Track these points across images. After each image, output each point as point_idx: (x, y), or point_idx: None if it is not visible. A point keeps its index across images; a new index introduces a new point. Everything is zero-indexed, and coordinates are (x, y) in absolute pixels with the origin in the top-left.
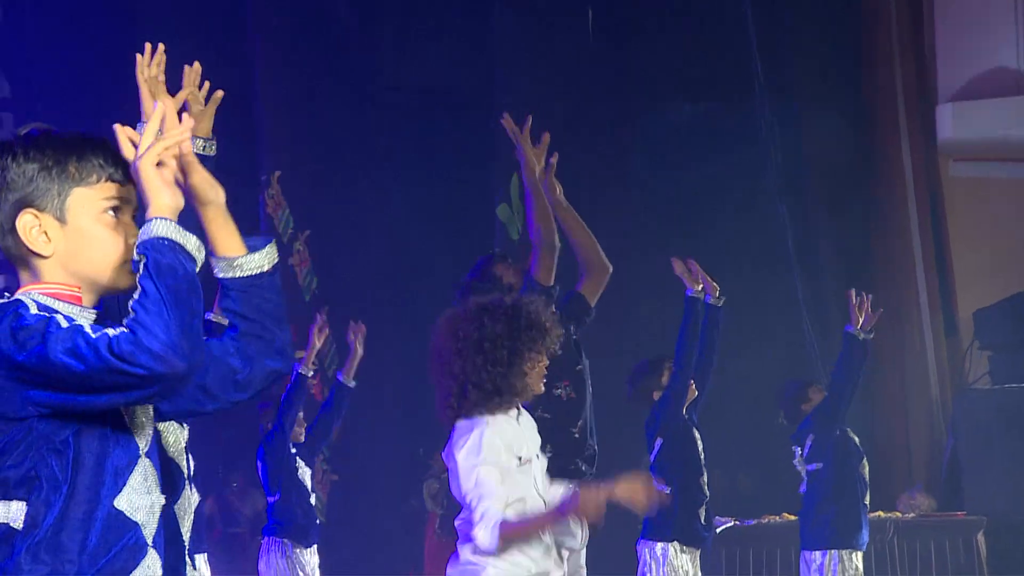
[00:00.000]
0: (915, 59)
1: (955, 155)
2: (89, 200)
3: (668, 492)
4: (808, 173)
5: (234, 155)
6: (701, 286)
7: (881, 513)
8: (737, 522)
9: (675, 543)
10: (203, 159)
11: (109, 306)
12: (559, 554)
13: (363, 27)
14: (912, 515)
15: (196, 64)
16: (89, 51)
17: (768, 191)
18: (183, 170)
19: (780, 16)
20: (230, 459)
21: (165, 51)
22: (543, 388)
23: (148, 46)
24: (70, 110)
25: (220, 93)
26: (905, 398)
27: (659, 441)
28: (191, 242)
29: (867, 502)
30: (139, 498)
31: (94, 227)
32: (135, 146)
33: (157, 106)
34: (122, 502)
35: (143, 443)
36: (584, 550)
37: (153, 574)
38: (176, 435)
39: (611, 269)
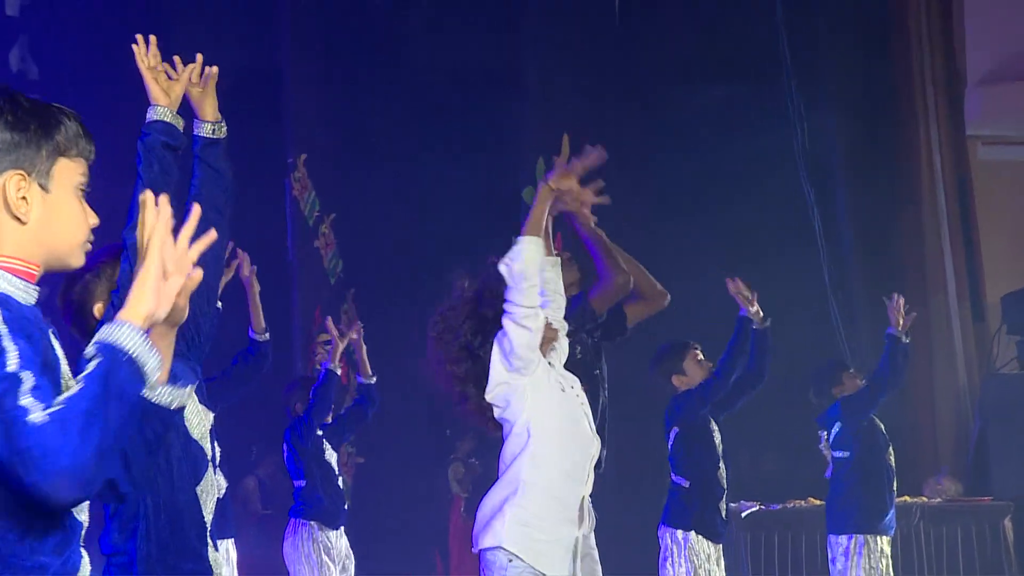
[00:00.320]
0: (944, 43)
1: (984, 139)
2: (70, 172)
3: (686, 485)
4: (835, 156)
5: (261, 137)
6: (756, 308)
7: (907, 498)
8: (762, 506)
9: (693, 531)
10: (213, 143)
11: None
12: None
13: (392, 10)
14: (939, 500)
15: (199, 57)
16: (117, 33)
17: (795, 174)
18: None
19: None
20: (264, 440)
21: (172, 49)
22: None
23: (140, 38)
24: (98, 92)
25: (214, 69)
26: (932, 383)
27: (675, 431)
28: (151, 362)
29: (894, 489)
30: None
31: (71, 201)
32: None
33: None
34: None
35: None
36: (593, 534)
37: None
38: (200, 418)
39: (668, 297)
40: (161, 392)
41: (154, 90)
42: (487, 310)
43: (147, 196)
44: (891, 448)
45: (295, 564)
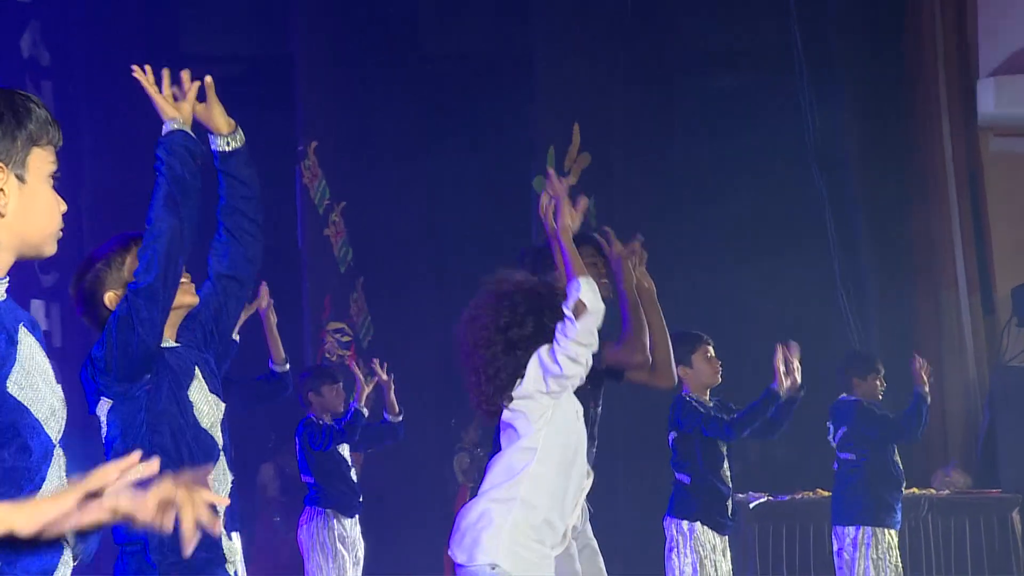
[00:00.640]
0: (956, 33)
1: (996, 130)
2: (43, 161)
3: (688, 483)
4: (847, 147)
5: (272, 125)
6: (791, 381)
7: (916, 490)
8: (770, 497)
9: (698, 522)
10: (231, 154)
11: None
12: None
13: None
14: (947, 492)
15: (196, 76)
16: (129, 19)
17: (806, 165)
18: None
19: None
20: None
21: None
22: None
23: (148, 70)
24: (109, 78)
25: (208, 79)
26: (942, 375)
27: (672, 434)
28: None
29: (902, 488)
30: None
31: (46, 190)
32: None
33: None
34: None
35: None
36: (589, 525)
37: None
38: (212, 408)
39: (675, 382)
40: None
41: (165, 107)
42: (550, 322)
43: (134, 457)
44: (897, 452)
45: (310, 552)
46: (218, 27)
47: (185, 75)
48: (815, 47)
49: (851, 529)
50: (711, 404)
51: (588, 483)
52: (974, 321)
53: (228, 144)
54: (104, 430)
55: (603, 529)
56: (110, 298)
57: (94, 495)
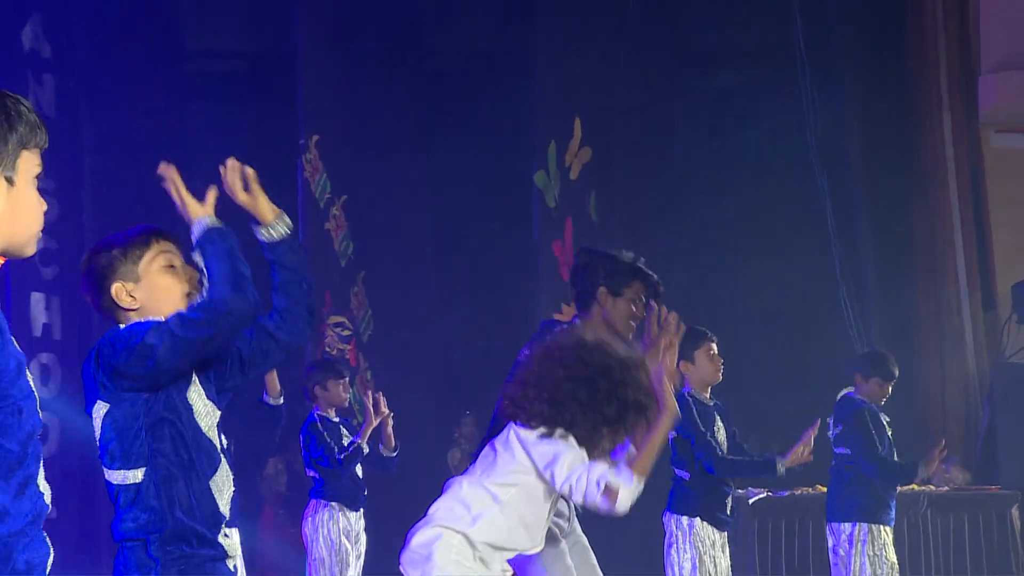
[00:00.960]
0: (958, 29)
1: (997, 126)
2: (30, 164)
3: (688, 478)
4: (849, 144)
5: (273, 119)
6: (791, 463)
7: (915, 486)
8: (770, 493)
9: (698, 518)
10: (276, 244)
11: None
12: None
13: None
14: (946, 488)
15: (232, 162)
16: (131, 11)
17: (807, 162)
18: None
19: None
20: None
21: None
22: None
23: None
24: (110, 72)
25: (250, 171)
26: (942, 371)
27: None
28: None
29: (898, 488)
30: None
31: (32, 192)
32: None
33: None
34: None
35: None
36: (577, 521)
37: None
38: (210, 411)
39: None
40: None
41: (193, 207)
42: (630, 415)
43: None
44: (895, 452)
45: (314, 545)
46: (220, 22)
47: (232, 164)
48: (816, 45)
49: (847, 526)
50: (711, 403)
51: (535, 551)
52: (974, 317)
53: (273, 233)
54: (98, 432)
55: (602, 525)
56: (116, 289)
57: None
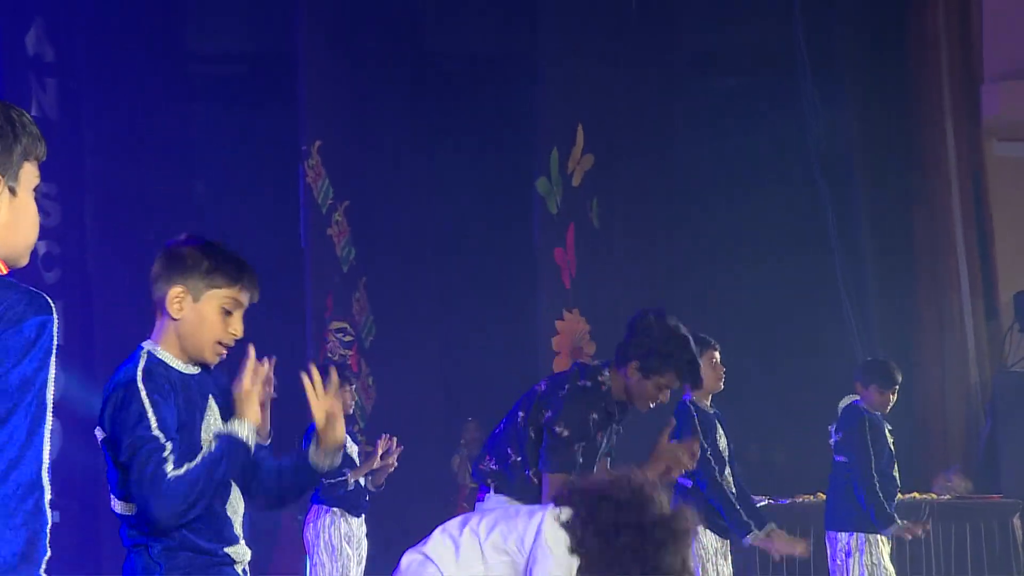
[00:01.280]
0: (961, 38)
1: (999, 135)
2: (31, 175)
3: (689, 486)
4: (850, 150)
5: (275, 124)
6: (761, 546)
7: (916, 494)
8: (771, 500)
9: (700, 525)
10: (316, 472)
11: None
12: None
13: None
14: (948, 497)
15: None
16: (133, 15)
17: (809, 168)
18: None
19: None
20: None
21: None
22: None
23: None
24: (112, 75)
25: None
26: (944, 380)
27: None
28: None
29: (897, 495)
30: None
31: (32, 203)
32: None
33: None
34: None
35: None
36: None
37: None
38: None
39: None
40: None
41: (252, 409)
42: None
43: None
44: (896, 463)
45: (315, 549)
46: (222, 25)
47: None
48: (819, 48)
49: (844, 535)
50: (712, 411)
51: None
52: (976, 326)
53: (324, 464)
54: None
55: None
56: (177, 292)
57: None
